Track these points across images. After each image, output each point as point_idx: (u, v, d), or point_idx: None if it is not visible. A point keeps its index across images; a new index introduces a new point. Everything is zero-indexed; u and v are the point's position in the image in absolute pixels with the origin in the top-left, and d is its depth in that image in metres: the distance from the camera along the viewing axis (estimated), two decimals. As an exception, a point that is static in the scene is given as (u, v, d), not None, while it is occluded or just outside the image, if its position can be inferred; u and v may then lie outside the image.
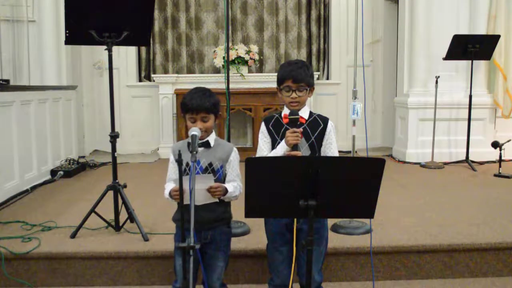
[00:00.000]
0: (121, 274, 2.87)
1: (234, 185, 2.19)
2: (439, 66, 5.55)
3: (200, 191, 2.02)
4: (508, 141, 5.10)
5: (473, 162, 5.38)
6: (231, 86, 3.39)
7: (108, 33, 3.05)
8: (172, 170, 2.25)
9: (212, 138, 2.21)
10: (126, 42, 3.17)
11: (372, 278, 2.84)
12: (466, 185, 4.60)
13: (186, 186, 1.91)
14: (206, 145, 2.17)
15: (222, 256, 2.24)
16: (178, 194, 2.04)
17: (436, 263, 2.94)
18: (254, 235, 3.07)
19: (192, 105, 2.12)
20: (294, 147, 2.07)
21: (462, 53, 5.28)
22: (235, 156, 2.24)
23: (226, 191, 2.13)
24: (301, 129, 2.12)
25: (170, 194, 2.13)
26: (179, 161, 1.86)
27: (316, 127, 2.21)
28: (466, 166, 5.37)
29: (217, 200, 2.13)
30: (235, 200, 2.24)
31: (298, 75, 2.15)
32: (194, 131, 1.96)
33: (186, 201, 1.93)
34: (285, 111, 2.21)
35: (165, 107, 6.31)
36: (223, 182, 2.19)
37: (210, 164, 2.16)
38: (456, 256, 2.94)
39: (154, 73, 6.72)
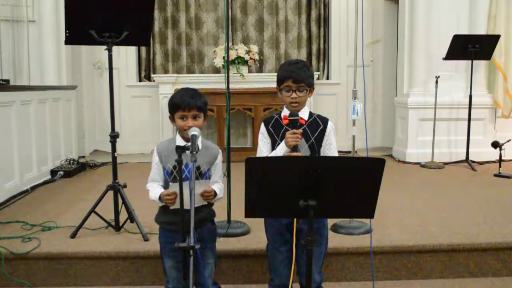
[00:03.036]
0: (121, 274, 2.87)
1: (219, 187, 2.21)
2: (439, 66, 5.54)
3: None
4: (508, 141, 5.10)
5: (473, 162, 5.38)
6: (231, 86, 3.39)
7: (108, 33, 3.05)
8: (156, 171, 2.22)
9: (199, 140, 2.19)
10: (126, 42, 3.17)
11: (372, 278, 2.84)
12: (466, 185, 4.60)
13: (177, 189, 1.91)
14: None
15: (211, 253, 2.25)
16: (171, 198, 2.04)
17: (436, 263, 2.94)
18: (254, 235, 3.07)
19: (184, 102, 2.11)
20: (294, 148, 2.07)
21: (462, 53, 5.28)
22: (220, 159, 2.27)
23: (215, 194, 2.15)
24: (300, 130, 2.12)
25: (160, 197, 2.10)
26: (179, 161, 1.86)
27: (316, 128, 2.21)
28: (466, 166, 5.37)
29: (206, 203, 2.15)
30: (219, 201, 2.26)
31: (298, 76, 2.14)
32: (194, 131, 1.95)
33: (177, 205, 1.93)
34: (285, 112, 2.21)
35: (165, 107, 6.22)
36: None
37: (198, 168, 2.15)
38: (456, 256, 2.94)
39: (154, 73, 6.72)
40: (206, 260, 2.22)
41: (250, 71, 6.45)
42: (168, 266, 2.21)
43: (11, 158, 4.14)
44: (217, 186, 2.20)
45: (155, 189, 2.16)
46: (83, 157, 6.13)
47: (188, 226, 1.69)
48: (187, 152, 1.85)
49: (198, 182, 2.09)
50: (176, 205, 2.00)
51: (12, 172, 4.15)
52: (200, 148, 2.11)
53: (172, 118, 2.19)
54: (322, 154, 2.21)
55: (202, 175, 2.18)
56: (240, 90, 5.84)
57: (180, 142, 2.14)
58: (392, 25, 6.61)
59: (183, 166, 1.88)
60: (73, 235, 3.07)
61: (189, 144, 1.89)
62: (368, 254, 2.84)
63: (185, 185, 1.89)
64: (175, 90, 6.67)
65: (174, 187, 2.04)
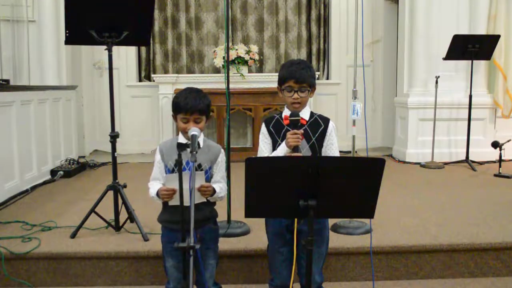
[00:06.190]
0: (121, 274, 2.87)
1: (220, 186, 2.20)
2: (439, 66, 5.55)
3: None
4: (508, 141, 5.10)
5: (473, 162, 5.38)
6: (231, 86, 3.39)
7: (108, 33, 3.05)
8: (158, 169, 2.22)
9: (201, 139, 2.20)
10: (126, 42, 3.17)
11: (372, 278, 2.84)
12: (466, 185, 4.60)
13: (176, 186, 1.91)
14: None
15: (212, 254, 2.25)
16: (168, 194, 2.04)
17: (436, 263, 2.94)
18: (254, 235, 3.07)
19: (186, 105, 2.11)
20: (295, 148, 2.07)
21: (462, 53, 5.28)
22: (222, 158, 2.26)
23: (214, 191, 2.14)
24: (301, 131, 2.11)
25: (157, 193, 2.11)
26: (179, 161, 1.86)
27: (317, 128, 2.20)
28: (466, 166, 5.37)
29: (205, 200, 2.14)
30: (220, 201, 2.25)
31: (300, 76, 2.13)
32: (194, 131, 1.96)
33: (176, 201, 1.92)
34: (286, 112, 2.20)
35: (165, 107, 6.31)
36: (209, 182, 2.19)
37: (199, 165, 2.16)
38: (456, 256, 2.94)
39: (154, 73, 6.72)
40: (207, 260, 2.22)
41: (250, 71, 6.45)
42: (169, 265, 2.21)
43: (11, 158, 4.13)
44: (218, 185, 2.19)
45: (154, 186, 2.16)
46: (83, 157, 6.13)
47: (188, 225, 1.69)
48: (188, 150, 1.85)
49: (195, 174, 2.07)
50: (175, 202, 1.98)
51: (12, 172, 4.15)
52: (201, 146, 2.14)
53: (174, 117, 2.20)
54: (323, 154, 2.21)
55: (204, 173, 2.17)
56: (240, 90, 5.84)
57: (182, 140, 2.14)
58: (392, 25, 6.61)
59: (184, 164, 1.87)
60: (73, 235, 3.07)
61: (190, 142, 1.89)
62: (368, 254, 2.84)
63: (183, 175, 1.87)
64: (175, 90, 6.70)
65: (170, 179, 2.04)
